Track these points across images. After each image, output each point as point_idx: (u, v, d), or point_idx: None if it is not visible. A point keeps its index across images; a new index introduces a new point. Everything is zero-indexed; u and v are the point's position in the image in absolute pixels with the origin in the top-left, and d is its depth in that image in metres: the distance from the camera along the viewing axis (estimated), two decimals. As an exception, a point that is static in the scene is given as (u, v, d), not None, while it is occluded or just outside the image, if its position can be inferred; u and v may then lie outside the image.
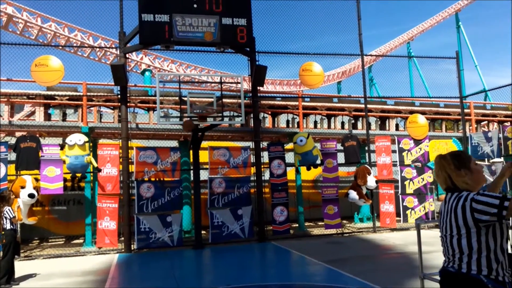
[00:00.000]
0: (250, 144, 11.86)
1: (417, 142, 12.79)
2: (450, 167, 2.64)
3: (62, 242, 12.29)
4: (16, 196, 9.29)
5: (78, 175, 10.28)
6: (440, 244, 2.67)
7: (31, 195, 9.60)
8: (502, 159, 12.50)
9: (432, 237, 10.00)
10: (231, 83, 11.91)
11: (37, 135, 10.80)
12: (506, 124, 17.34)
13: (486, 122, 18.97)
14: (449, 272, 2.54)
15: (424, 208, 12.49)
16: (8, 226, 7.21)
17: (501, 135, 12.24)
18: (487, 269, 2.41)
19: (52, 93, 12.15)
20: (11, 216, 7.27)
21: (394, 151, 12.82)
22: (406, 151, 12.72)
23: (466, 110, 15.21)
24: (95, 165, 10.33)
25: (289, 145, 12.70)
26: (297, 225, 12.90)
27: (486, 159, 13.73)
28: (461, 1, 39.72)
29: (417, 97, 19.63)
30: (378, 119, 16.91)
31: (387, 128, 16.60)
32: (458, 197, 2.54)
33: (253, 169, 11.44)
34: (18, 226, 7.79)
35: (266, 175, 12.02)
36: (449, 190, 2.65)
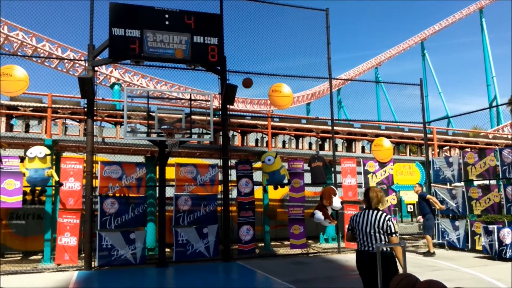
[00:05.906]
0: (218, 161, 11.82)
1: (382, 164, 13.07)
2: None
3: (19, 258, 11.81)
4: None
5: (38, 188, 9.96)
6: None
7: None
8: (462, 183, 12.92)
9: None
10: (201, 100, 11.90)
11: (-3, 146, 10.45)
12: (466, 149, 18.02)
13: (448, 147, 19.62)
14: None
15: (388, 230, 12.69)
16: None
17: (461, 161, 12.68)
18: None
19: (15, 103, 11.82)
20: None
21: (359, 173, 13.07)
22: (371, 173, 12.98)
23: (429, 135, 15.70)
24: (56, 178, 10.03)
25: (257, 164, 12.74)
26: (263, 244, 12.86)
27: (447, 183, 14.17)
28: (426, 30, 41.41)
29: (383, 121, 20.18)
30: (344, 141, 17.22)
31: (353, 150, 16.91)
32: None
33: (220, 187, 11.38)
34: None
35: (234, 194, 11.97)
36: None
